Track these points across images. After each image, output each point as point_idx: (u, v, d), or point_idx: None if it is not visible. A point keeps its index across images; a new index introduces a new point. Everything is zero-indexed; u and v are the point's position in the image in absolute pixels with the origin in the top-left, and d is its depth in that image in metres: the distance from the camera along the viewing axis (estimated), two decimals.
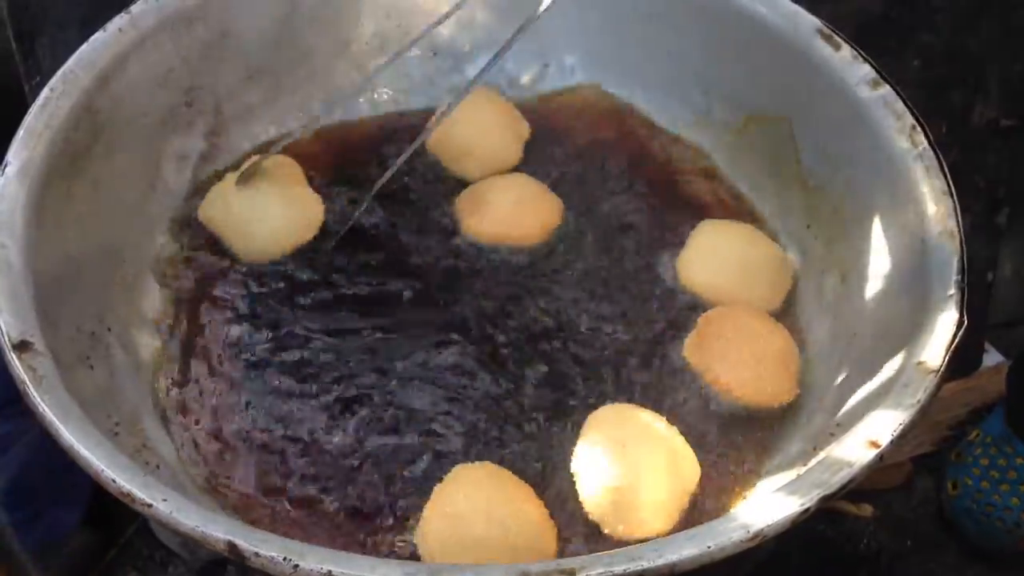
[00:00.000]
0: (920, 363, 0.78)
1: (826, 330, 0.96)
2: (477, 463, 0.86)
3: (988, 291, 1.42)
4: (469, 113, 1.06)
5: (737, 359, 0.92)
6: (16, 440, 1.24)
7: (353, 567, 0.64)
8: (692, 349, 0.94)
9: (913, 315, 0.83)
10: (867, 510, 1.36)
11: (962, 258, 0.83)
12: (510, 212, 1.04)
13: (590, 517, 0.84)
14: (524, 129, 1.12)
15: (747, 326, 0.94)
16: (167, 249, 1.00)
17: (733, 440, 0.90)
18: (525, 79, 1.18)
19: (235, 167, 1.05)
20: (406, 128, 1.13)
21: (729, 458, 0.89)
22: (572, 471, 0.86)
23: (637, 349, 0.96)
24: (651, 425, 0.87)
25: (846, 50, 0.98)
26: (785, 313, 0.99)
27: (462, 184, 1.08)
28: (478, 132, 1.09)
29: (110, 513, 1.31)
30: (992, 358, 1.47)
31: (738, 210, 1.08)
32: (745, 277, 0.99)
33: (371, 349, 0.94)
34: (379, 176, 1.03)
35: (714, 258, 1.00)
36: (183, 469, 0.86)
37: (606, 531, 0.83)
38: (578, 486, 0.85)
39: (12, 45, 1.25)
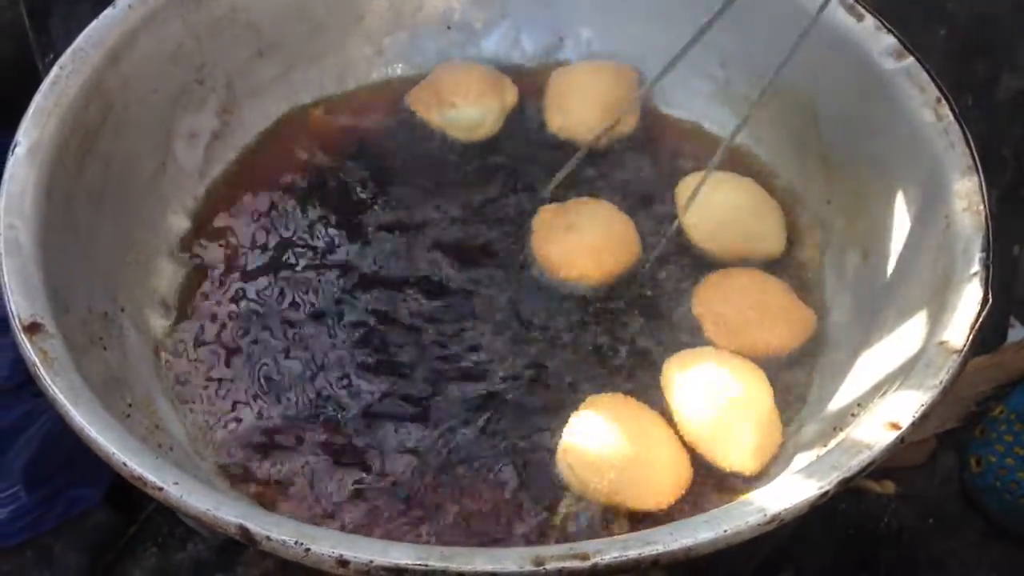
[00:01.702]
0: (943, 342, 0.76)
1: (847, 307, 0.95)
2: (608, 393, 0.88)
3: (1014, 265, 1.40)
4: (589, 77, 1.10)
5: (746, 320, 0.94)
6: (36, 419, 1.24)
7: (365, 550, 0.63)
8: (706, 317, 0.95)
9: (936, 293, 0.81)
10: (889, 487, 1.35)
11: (987, 235, 0.81)
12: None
13: (730, 469, 0.85)
14: (627, 123, 1.10)
15: (743, 288, 0.96)
16: (180, 228, 0.99)
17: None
18: (541, 52, 1.17)
19: (248, 145, 1.05)
20: None
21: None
22: (690, 443, 0.87)
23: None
24: (726, 359, 0.90)
25: (869, 20, 0.96)
26: (803, 286, 0.99)
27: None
28: (583, 96, 1.09)
29: (131, 490, 1.31)
30: (1017, 333, 1.44)
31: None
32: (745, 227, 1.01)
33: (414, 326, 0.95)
34: (395, 154, 1.02)
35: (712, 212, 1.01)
36: (198, 450, 0.86)
37: (747, 473, 0.85)
38: (703, 451, 0.86)
39: (25, 21, 1.25)
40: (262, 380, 0.91)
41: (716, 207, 1.01)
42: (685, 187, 1.03)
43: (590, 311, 0.96)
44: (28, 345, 0.74)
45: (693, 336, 0.94)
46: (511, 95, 1.12)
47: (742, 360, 0.90)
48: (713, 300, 0.96)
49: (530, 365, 0.92)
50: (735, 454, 0.85)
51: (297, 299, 0.96)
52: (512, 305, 0.96)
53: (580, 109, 1.08)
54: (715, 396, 0.87)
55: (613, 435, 0.83)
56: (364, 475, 0.85)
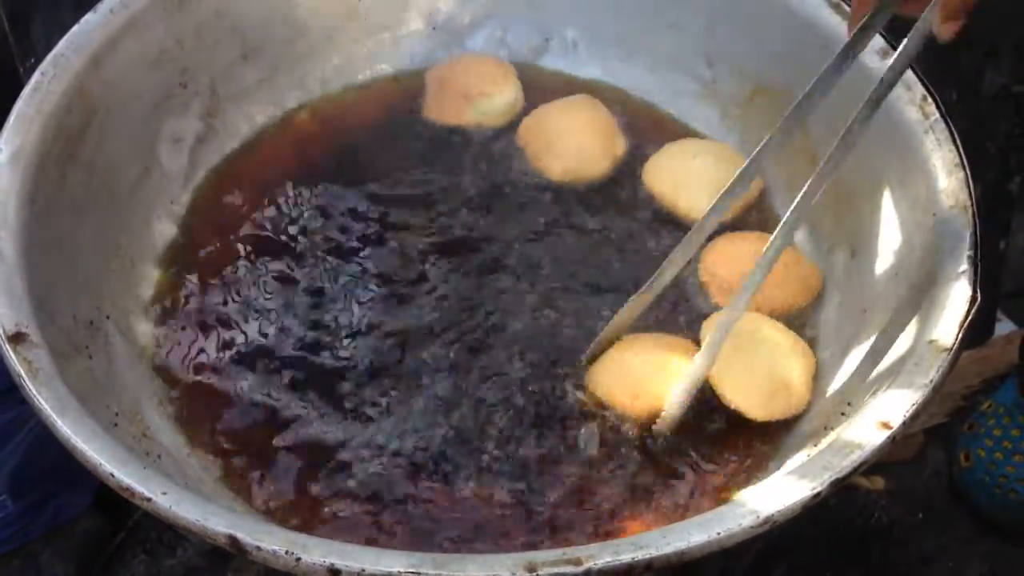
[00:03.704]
0: (932, 341, 0.76)
1: (835, 306, 0.95)
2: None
3: (1000, 260, 1.40)
4: (567, 113, 1.07)
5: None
6: (23, 426, 1.23)
7: (356, 559, 0.63)
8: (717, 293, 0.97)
9: (925, 291, 0.82)
10: (878, 483, 1.35)
11: (975, 232, 0.81)
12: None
13: (733, 406, 0.87)
14: (620, 145, 1.08)
15: (747, 252, 0.97)
16: (165, 233, 0.99)
17: None
18: (527, 52, 1.17)
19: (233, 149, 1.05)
20: (407, 105, 1.11)
21: None
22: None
23: None
24: (764, 320, 0.92)
25: None
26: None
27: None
28: (568, 132, 1.06)
29: (119, 496, 1.31)
30: (1004, 327, 1.45)
31: None
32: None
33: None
34: (382, 155, 1.02)
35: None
36: (188, 458, 0.85)
37: (749, 415, 0.87)
38: (720, 390, 0.87)
39: (6, 26, 1.23)
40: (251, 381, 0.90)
41: (693, 177, 1.02)
42: (655, 171, 1.05)
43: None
44: (13, 355, 0.73)
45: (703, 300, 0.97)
46: (512, 68, 1.13)
47: (782, 327, 0.93)
48: (717, 265, 0.97)
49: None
50: (742, 394, 0.87)
51: (285, 300, 0.96)
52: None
53: (577, 146, 1.06)
54: (745, 341, 0.89)
55: (653, 348, 0.90)
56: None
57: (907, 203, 0.89)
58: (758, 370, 0.88)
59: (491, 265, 0.99)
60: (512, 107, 1.10)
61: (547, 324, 0.94)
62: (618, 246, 1.01)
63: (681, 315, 0.96)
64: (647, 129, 1.11)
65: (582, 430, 0.87)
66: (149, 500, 0.66)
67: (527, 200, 1.04)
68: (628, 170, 1.06)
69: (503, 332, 0.93)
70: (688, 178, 1.03)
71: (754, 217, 1.03)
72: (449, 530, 0.81)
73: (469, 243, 1.01)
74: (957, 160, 0.86)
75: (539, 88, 1.13)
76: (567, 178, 1.05)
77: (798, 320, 0.96)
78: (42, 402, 0.71)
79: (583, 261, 1.00)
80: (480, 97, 1.08)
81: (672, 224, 1.02)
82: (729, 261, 0.97)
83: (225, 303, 0.95)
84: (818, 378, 0.91)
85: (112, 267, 0.92)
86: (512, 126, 1.09)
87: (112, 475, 0.67)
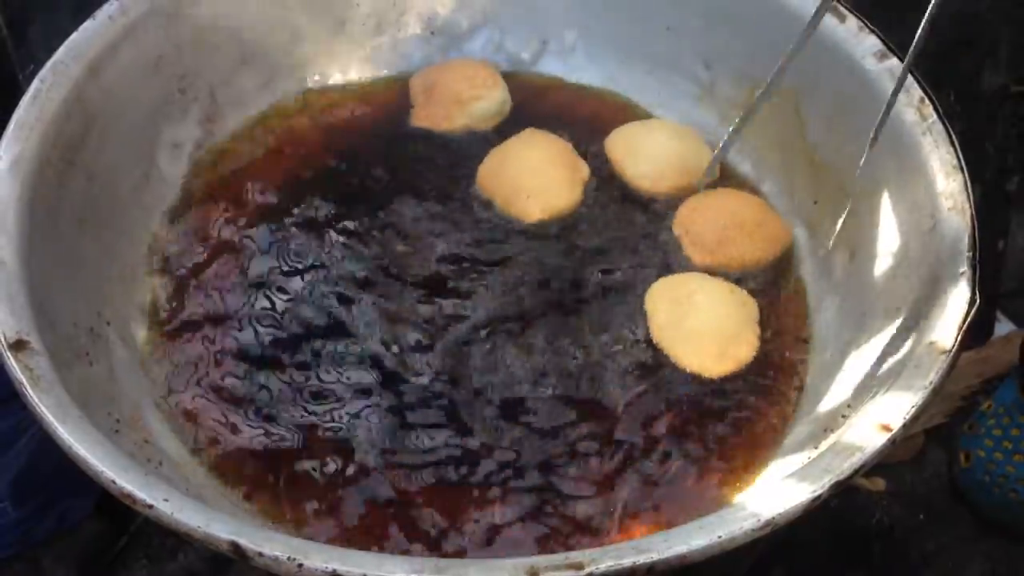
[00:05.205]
0: (932, 343, 0.76)
1: (835, 308, 0.95)
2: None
3: (999, 260, 1.40)
4: (524, 153, 1.05)
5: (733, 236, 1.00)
6: (25, 431, 1.23)
7: (357, 564, 0.63)
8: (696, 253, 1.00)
9: (924, 293, 0.82)
10: (879, 484, 1.35)
11: (973, 234, 0.82)
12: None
13: (689, 369, 0.91)
14: (583, 170, 1.06)
15: (719, 207, 1.01)
16: (165, 239, 0.99)
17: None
18: (525, 56, 1.17)
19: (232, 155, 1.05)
20: (404, 110, 1.12)
21: None
22: (655, 341, 0.93)
23: None
24: (703, 279, 0.96)
25: (852, 22, 0.96)
26: (792, 289, 1.00)
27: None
28: (534, 172, 1.03)
29: (120, 502, 1.31)
30: (1004, 327, 1.45)
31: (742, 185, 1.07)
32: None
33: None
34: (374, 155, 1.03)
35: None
36: (190, 462, 0.85)
37: (706, 375, 0.90)
38: (667, 350, 0.92)
39: (5, 33, 1.24)
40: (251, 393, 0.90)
41: (653, 152, 1.05)
42: (615, 141, 1.08)
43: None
44: (14, 363, 0.73)
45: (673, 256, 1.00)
46: (497, 71, 1.13)
47: (722, 281, 0.96)
48: (690, 220, 1.01)
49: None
50: (695, 356, 0.91)
51: (285, 306, 0.96)
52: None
53: (546, 182, 1.03)
54: (686, 304, 0.93)
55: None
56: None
57: (906, 205, 0.89)
58: (705, 329, 0.92)
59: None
60: (501, 109, 1.10)
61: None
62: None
63: (653, 268, 0.99)
64: None
65: None
66: (151, 507, 0.66)
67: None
68: (599, 190, 1.06)
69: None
70: (641, 148, 1.06)
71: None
72: None
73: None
74: (955, 162, 0.87)
75: (537, 91, 1.14)
76: (545, 215, 1.01)
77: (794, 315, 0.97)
78: (43, 409, 0.71)
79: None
80: (473, 101, 1.08)
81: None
82: (703, 216, 1.01)
83: (225, 309, 0.95)
84: (818, 380, 0.91)
85: (112, 273, 0.92)
86: (499, 130, 1.09)
87: (113, 482, 0.67)
